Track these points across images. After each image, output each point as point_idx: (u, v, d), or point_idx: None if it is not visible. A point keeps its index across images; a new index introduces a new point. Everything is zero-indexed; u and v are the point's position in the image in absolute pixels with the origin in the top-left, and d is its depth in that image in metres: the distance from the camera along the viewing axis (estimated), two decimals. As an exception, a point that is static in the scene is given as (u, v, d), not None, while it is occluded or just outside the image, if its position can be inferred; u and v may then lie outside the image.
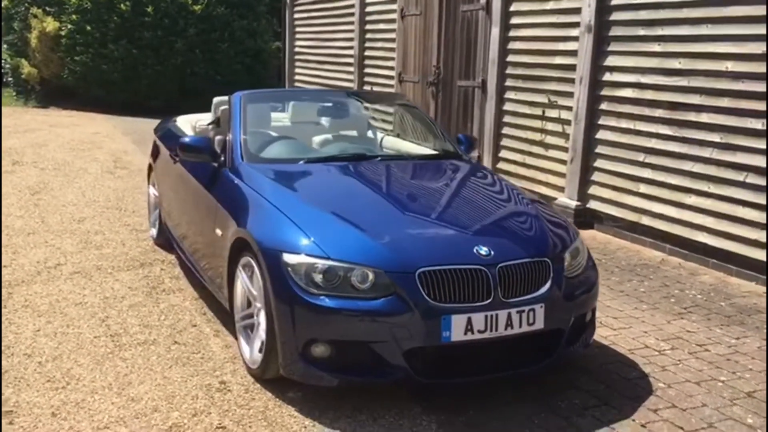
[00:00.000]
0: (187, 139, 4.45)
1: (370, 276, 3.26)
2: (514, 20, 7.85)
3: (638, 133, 6.38)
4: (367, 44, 11.24)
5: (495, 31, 8.05)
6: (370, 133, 5.33)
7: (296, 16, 14.02)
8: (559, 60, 7.25)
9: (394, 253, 3.34)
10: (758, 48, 5.35)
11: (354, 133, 5.27)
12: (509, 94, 7.98)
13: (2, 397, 3.47)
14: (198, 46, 15.87)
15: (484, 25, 8.27)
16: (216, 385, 3.62)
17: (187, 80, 15.97)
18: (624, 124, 6.53)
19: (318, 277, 3.29)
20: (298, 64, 14.13)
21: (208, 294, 4.81)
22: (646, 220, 6.34)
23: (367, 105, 5.81)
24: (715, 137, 5.70)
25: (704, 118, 5.79)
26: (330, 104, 5.42)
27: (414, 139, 5.23)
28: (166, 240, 5.86)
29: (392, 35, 10.39)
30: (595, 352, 4.09)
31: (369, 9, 11.09)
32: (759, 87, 5.36)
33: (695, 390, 3.71)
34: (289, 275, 3.32)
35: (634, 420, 3.38)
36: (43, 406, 3.39)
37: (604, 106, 6.73)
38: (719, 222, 5.71)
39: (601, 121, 6.77)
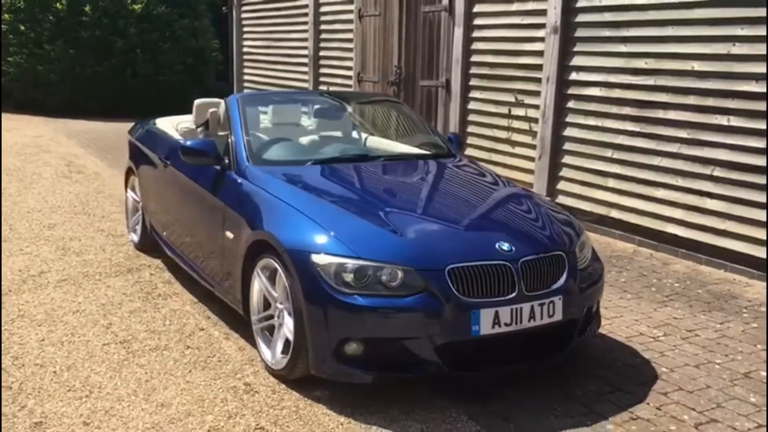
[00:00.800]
0: (189, 143, 4.43)
1: (400, 274, 3.35)
2: (478, 21, 8.04)
3: (606, 130, 6.64)
4: (323, 44, 11.27)
5: (458, 32, 8.22)
6: (368, 134, 5.41)
7: (244, 15, 13.93)
8: (524, 60, 7.46)
9: (423, 251, 3.45)
10: (723, 48, 5.65)
11: (354, 133, 5.35)
12: (474, 94, 8.16)
13: (27, 408, 3.42)
14: (139, 46, 15.55)
15: (446, 25, 8.43)
16: (242, 387, 3.65)
17: (128, 81, 15.63)
18: (592, 121, 6.78)
19: (348, 277, 3.36)
20: (247, 64, 14.04)
21: (208, 297, 4.81)
22: (615, 214, 6.61)
23: (361, 106, 5.87)
24: (683, 133, 6.00)
25: (671, 115, 6.08)
26: (326, 106, 5.47)
27: (407, 138, 5.32)
28: (150, 245, 5.81)
29: (349, 35, 10.46)
30: (597, 341, 4.28)
31: (324, 9, 11.13)
32: (724, 85, 5.66)
33: (696, 373, 3.93)
34: (320, 275, 3.39)
35: (648, 404, 3.57)
36: (72, 415, 3.36)
37: (571, 104, 6.98)
38: (688, 213, 6.01)
39: (568, 119, 7.02)
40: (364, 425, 3.31)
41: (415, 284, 3.34)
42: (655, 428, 3.34)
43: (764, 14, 5.35)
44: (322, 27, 11.24)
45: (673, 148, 6.09)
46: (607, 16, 6.55)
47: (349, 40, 10.47)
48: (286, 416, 3.38)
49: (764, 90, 5.40)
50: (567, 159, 7.06)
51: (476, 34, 8.07)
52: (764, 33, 5.35)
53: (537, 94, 7.28)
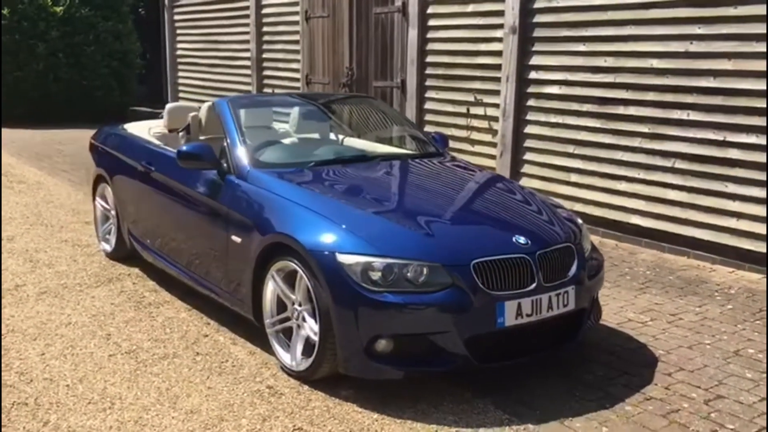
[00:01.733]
0: (186, 148, 4.38)
1: (425, 270, 3.43)
2: (432, 22, 8.18)
3: (568, 126, 6.89)
4: (266, 46, 11.20)
5: (413, 33, 8.34)
6: (359, 134, 5.45)
7: (177, 17, 13.69)
8: (482, 60, 7.65)
9: (447, 248, 3.54)
10: (681, 47, 5.96)
11: (346, 134, 5.39)
12: (430, 94, 8.30)
13: (51, 423, 3.33)
14: (61, 49, 15.04)
15: (400, 26, 8.54)
16: (265, 391, 3.65)
17: (51, 86, 15.09)
18: (553, 118, 7.02)
19: (376, 275, 3.41)
20: (182, 68, 13.80)
21: (202, 304, 4.77)
22: (579, 207, 6.85)
23: (347, 107, 5.88)
24: (643, 128, 6.29)
25: (632, 111, 6.36)
26: (315, 108, 5.48)
27: (397, 138, 5.38)
28: (125, 254, 5.69)
29: (295, 37, 10.44)
30: (592, 328, 4.46)
31: (266, 11, 11.07)
32: (683, 81, 5.97)
33: (691, 353, 4.16)
34: (347, 275, 3.43)
35: (656, 384, 3.76)
36: (100, 428, 3.29)
37: (531, 102, 7.20)
38: (650, 204, 6.30)
39: (529, 117, 7.23)
40: (398, 420, 3.37)
41: (442, 280, 3.42)
42: (669, 407, 3.52)
43: (720, 14, 5.66)
44: (265, 29, 11.17)
45: (634, 142, 6.37)
46: (566, 17, 6.79)
47: (296, 42, 10.45)
48: (318, 416, 3.41)
49: (720, 85, 5.72)
50: (528, 155, 7.28)
51: (431, 35, 8.21)
52: (722, 31, 5.67)
53: (496, 93, 7.47)
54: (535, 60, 7.11)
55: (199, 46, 13.12)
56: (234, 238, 4.10)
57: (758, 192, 5.58)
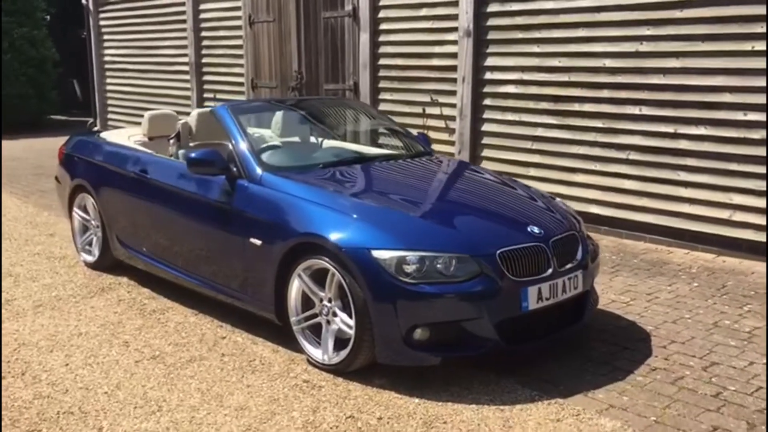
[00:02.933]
0: (195, 154, 4.47)
1: (454, 261, 3.68)
2: (384, 26, 8.43)
3: (524, 124, 7.27)
4: (206, 51, 11.18)
5: (364, 37, 8.56)
6: (352, 136, 5.64)
7: (103, 23, 13.42)
8: (436, 62, 7.95)
9: (473, 239, 3.80)
10: (632, 47, 6.42)
11: (342, 136, 5.59)
12: (384, 95, 8.54)
13: (105, 429, 3.40)
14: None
15: (351, 30, 8.74)
16: (303, 385, 3.81)
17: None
18: (509, 116, 7.39)
19: (410, 268, 3.64)
20: (109, 74, 13.55)
21: (206, 308, 4.86)
22: (538, 199, 7.24)
23: (336, 110, 6.03)
24: (598, 123, 6.73)
25: (587, 107, 6.79)
26: (311, 111, 5.62)
27: (389, 139, 5.58)
28: (110, 263, 5.69)
29: (238, 42, 10.47)
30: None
31: (205, 15, 11.04)
32: (635, 79, 6.43)
33: (676, 328, 4.56)
34: (383, 270, 3.63)
35: (656, 356, 4.14)
36: (157, 430, 3.39)
37: (488, 101, 7.55)
38: (607, 194, 6.75)
39: (486, 116, 7.59)
40: (439, 402, 3.61)
41: (471, 269, 3.68)
42: (674, 375, 3.90)
43: (667, 16, 6.15)
44: (204, 33, 11.14)
45: (589, 137, 6.81)
46: (519, 20, 7.17)
47: (238, 47, 10.48)
48: (363, 404, 3.60)
49: (670, 82, 6.22)
50: (487, 152, 7.63)
51: (383, 38, 8.46)
52: (669, 32, 6.15)
53: (453, 93, 7.79)
54: (490, 61, 7.47)
55: (128, 51, 12.92)
56: (253, 240, 4.22)
57: (708, 179, 6.09)
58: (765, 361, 4.04)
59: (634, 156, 6.55)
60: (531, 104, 7.20)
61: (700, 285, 5.36)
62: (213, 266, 4.61)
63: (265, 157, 4.59)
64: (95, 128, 13.82)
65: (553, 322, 4.01)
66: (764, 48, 5.66)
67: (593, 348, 4.26)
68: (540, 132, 7.17)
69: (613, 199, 6.72)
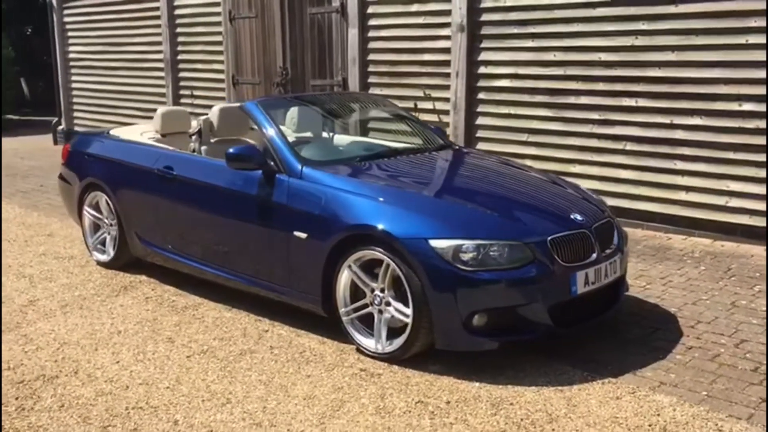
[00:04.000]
0: (234, 150, 4.50)
1: (507, 249, 3.81)
2: (373, 22, 8.50)
3: (519, 117, 7.45)
4: (182, 47, 11.07)
5: (353, 32, 8.63)
6: (378, 129, 5.70)
7: (68, 19, 13.13)
8: (428, 57, 8.07)
9: (523, 227, 3.95)
10: (627, 41, 6.65)
11: (366, 129, 5.63)
12: (374, 90, 8.62)
13: (181, 422, 3.42)
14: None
15: (339, 26, 8.79)
16: (361, 373, 3.90)
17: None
18: (504, 110, 7.56)
19: (466, 256, 3.76)
20: (75, 71, 13.26)
21: (239, 303, 4.89)
22: (534, 190, 7.44)
23: (359, 105, 6.07)
24: (594, 115, 6.95)
25: (583, 100, 7.01)
26: (334, 106, 5.66)
27: (411, 132, 5.65)
28: (126, 261, 5.66)
29: (217, 38, 10.41)
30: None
31: (180, 12, 10.93)
32: (631, 72, 6.67)
33: (698, 309, 4.78)
34: (441, 258, 3.74)
35: (689, 336, 4.35)
36: (233, 420, 3.43)
37: (482, 96, 7.71)
38: (605, 184, 6.96)
39: (480, 109, 7.74)
40: (499, 386, 3.74)
41: (524, 256, 3.82)
42: (711, 352, 4.10)
43: (663, 11, 6.39)
44: (180, 30, 11.03)
45: (586, 129, 7.03)
46: (513, 15, 7.34)
47: (218, 43, 10.42)
48: (426, 389, 3.70)
49: (665, 75, 6.46)
50: (481, 145, 7.78)
51: (373, 34, 8.53)
52: (665, 27, 6.40)
53: (446, 87, 7.92)
54: (484, 56, 7.62)
55: (96, 48, 12.68)
56: (298, 234, 4.28)
57: (704, 167, 6.36)
58: (790, 336, 4.29)
59: (630, 146, 6.78)
60: (526, 97, 7.38)
61: (707, 268, 5.61)
62: (252, 261, 4.64)
63: (301, 151, 4.63)
64: (60, 127, 13.54)
65: (595, 306, 4.17)
66: (759, 41, 5.94)
67: (627, 330, 4.44)
68: (535, 125, 7.36)
69: (610, 188, 6.94)
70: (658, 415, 3.43)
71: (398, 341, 3.96)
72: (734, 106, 6.16)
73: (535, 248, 3.84)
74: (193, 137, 5.42)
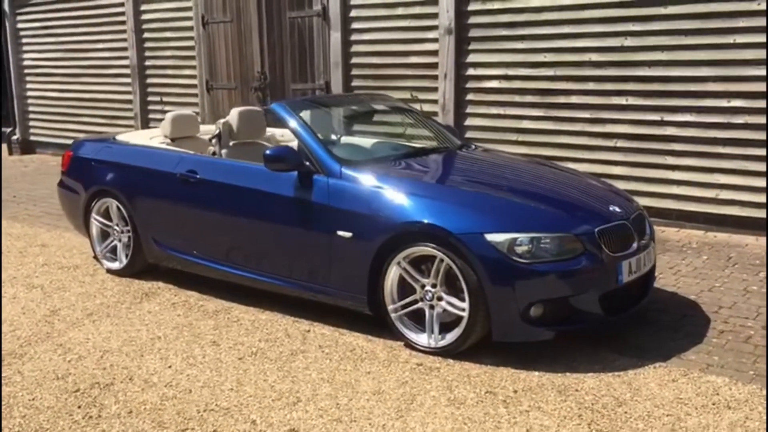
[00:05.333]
0: (271, 151, 4.51)
1: (559, 241, 3.93)
2: (356, 25, 8.56)
3: (510, 117, 7.62)
4: (150, 53, 10.89)
5: (335, 36, 8.67)
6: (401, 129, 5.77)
7: (21, 26, 12.76)
8: (415, 59, 8.17)
9: (572, 219, 4.08)
10: (617, 42, 6.89)
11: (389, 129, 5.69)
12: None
13: (258, 421, 3.42)
14: None
15: (321, 30, 8.82)
16: (419, 368, 3.95)
17: None
18: (494, 110, 7.72)
19: (521, 249, 3.87)
20: (30, 79, 12.88)
21: (270, 305, 4.88)
22: (525, 188, 7.61)
23: (378, 105, 6.10)
24: (585, 114, 7.17)
25: (574, 99, 7.22)
26: (356, 108, 5.69)
27: (429, 131, 5.71)
28: (140, 268, 5.58)
29: (189, 43, 10.28)
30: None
31: (147, 17, 10.76)
32: (621, 72, 6.91)
33: (715, 295, 5.01)
34: (498, 252, 3.84)
35: (716, 321, 4.55)
36: (310, 417, 3.45)
37: (471, 97, 7.85)
38: (596, 180, 7.20)
39: (469, 110, 7.88)
40: (558, 374, 3.85)
41: (575, 247, 3.95)
42: (743, 335, 4.31)
43: (653, 13, 6.66)
44: (147, 35, 10.85)
45: (577, 127, 7.24)
46: (502, 18, 7.51)
47: (190, 48, 10.29)
48: (489, 380, 3.79)
49: (656, 74, 6.73)
50: (471, 145, 7.92)
51: (356, 37, 8.59)
52: (654, 28, 6.66)
53: (434, 89, 8.03)
54: (472, 58, 7.77)
55: (54, 56, 12.34)
56: (341, 233, 4.30)
57: (695, 162, 6.64)
58: (811, 317, 4.54)
59: (621, 144, 7.02)
60: (516, 98, 7.56)
61: (710, 258, 5.87)
62: (289, 262, 4.64)
63: (340, 152, 4.67)
64: (15, 137, 13.12)
65: (635, 295, 4.33)
66: (746, 41, 6.25)
67: (656, 318, 4.61)
68: (526, 124, 7.54)
69: (601, 184, 7.17)
70: (717, 394, 3.60)
71: (451, 335, 4.04)
72: (723, 103, 6.45)
73: (585, 240, 3.97)
74: (213, 141, 5.38)
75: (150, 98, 11.06)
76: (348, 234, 4.29)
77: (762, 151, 6.28)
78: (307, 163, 4.55)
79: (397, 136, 5.81)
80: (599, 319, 4.03)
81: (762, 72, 6.20)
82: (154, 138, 5.80)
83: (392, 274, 4.18)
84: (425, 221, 4.03)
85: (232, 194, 4.85)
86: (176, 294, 5.24)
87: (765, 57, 6.18)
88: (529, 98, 7.48)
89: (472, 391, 3.68)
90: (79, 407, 3.60)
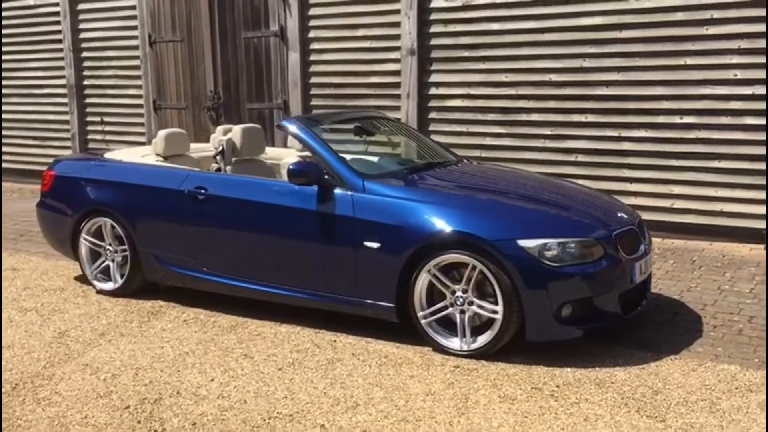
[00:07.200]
0: (295, 166, 4.61)
1: (582, 245, 4.23)
2: (316, 45, 8.72)
3: (472, 134, 7.95)
4: (89, 72, 10.65)
5: (294, 56, 8.80)
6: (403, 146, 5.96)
7: (-61, 44, 12.17)
8: (377, 79, 8.41)
9: (591, 225, 4.39)
10: (576, 63, 7.36)
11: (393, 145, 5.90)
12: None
13: (327, 426, 3.51)
14: None
15: (278, 50, 8.92)
16: (458, 371, 4.14)
17: None
18: (457, 128, 8.04)
19: (550, 254, 4.14)
20: (-50, 99, 12.28)
21: (285, 318, 4.94)
22: (489, 202, 7.95)
23: (378, 123, 6.22)
24: (546, 131, 7.59)
25: (534, 117, 7.63)
26: (364, 125, 5.81)
27: (428, 146, 5.93)
28: (137, 288, 5.53)
29: (133, 62, 10.14)
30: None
31: (87, 35, 10.54)
32: (580, 91, 7.37)
33: (695, 294, 5.42)
34: (530, 257, 4.09)
35: (705, 317, 4.96)
36: (375, 419, 3.58)
37: (433, 115, 8.15)
38: (557, 193, 7.61)
39: (432, 128, 8.17)
40: (588, 369, 4.13)
41: (597, 251, 4.26)
42: (734, 328, 4.73)
43: (609, 36, 7.15)
44: (87, 54, 10.61)
45: (538, 143, 7.65)
46: (464, 40, 7.86)
47: (135, 67, 10.15)
48: (528, 378, 4.02)
49: (613, 93, 7.22)
50: (434, 162, 8.20)
51: (315, 57, 8.75)
52: (611, 50, 7.16)
53: (396, 108, 8.28)
54: (435, 78, 8.07)
55: (-23, 74, 11.85)
56: (369, 244, 4.45)
57: (650, 174, 7.15)
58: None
59: (581, 158, 7.47)
60: (479, 116, 7.90)
61: (676, 262, 6.34)
62: (310, 274, 4.73)
63: (357, 166, 4.82)
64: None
65: (640, 294, 4.68)
66: (695, 62, 6.81)
67: (652, 316, 4.98)
68: (489, 141, 7.89)
69: (562, 197, 7.59)
70: (736, 379, 3.97)
71: (484, 338, 4.26)
72: (676, 119, 7.00)
73: (605, 243, 4.28)
74: (218, 157, 5.41)
75: (89, 118, 10.81)
76: (375, 245, 4.44)
77: (713, 164, 6.85)
78: (327, 177, 4.68)
79: (399, 151, 6.01)
80: (618, 317, 4.34)
81: (710, 91, 6.77)
82: (146, 156, 5.76)
83: (422, 282, 4.36)
84: (458, 230, 4.25)
85: (247, 209, 4.91)
86: (183, 312, 5.21)
87: (713, 77, 6.76)
88: (491, 116, 7.84)
89: (518, 388, 3.90)
90: (139, 422, 3.59)
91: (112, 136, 10.62)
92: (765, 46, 6.48)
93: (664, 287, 5.61)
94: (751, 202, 6.71)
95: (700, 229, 6.99)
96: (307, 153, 5.68)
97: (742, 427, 3.48)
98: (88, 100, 10.77)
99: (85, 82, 10.73)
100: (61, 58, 10.83)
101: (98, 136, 10.82)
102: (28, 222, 8.31)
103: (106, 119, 10.67)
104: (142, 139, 10.21)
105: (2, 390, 3.99)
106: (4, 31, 11.41)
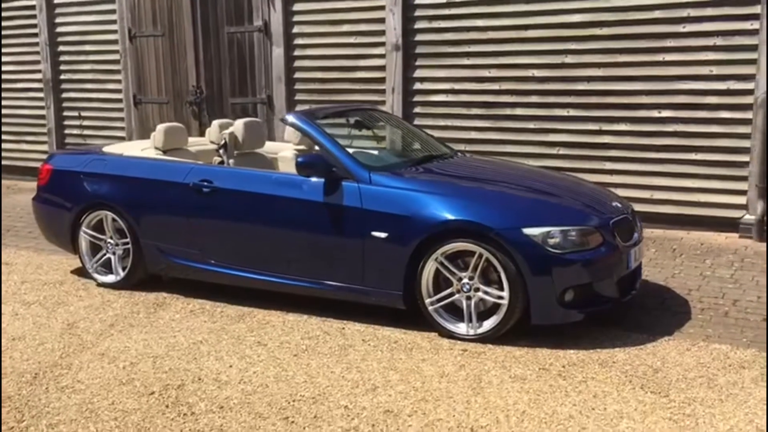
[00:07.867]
0: (304, 159, 4.74)
1: (582, 233, 4.44)
2: (300, 41, 8.82)
3: (457, 128, 8.14)
4: (66, 66, 10.59)
5: (278, 51, 8.88)
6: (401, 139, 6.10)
7: None
8: (361, 74, 8.54)
9: (591, 214, 4.61)
10: (558, 59, 7.59)
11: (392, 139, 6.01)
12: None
13: (347, 405, 3.66)
14: None
15: (262, 45, 9.00)
16: (467, 354, 4.32)
17: None
18: (441, 122, 8.21)
19: (552, 241, 4.34)
20: None
21: (288, 307, 5.07)
22: (473, 195, 8.15)
23: (374, 118, 6.35)
24: (529, 125, 7.81)
25: (518, 111, 7.84)
26: (362, 119, 5.93)
27: (426, 139, 6.08)
28: (138, 280, 5.61)
29: (112, 56, 10.12)
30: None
31: (65, 29, 10.48)
32: (562, 86, 7.61)
33: (680, 280, 5.68)
34: (535, 244, 4.29)
35: (691, 302, 5.21)
36: (398, 401, 3.72)
37: (418, 109, 8.31)
38: (539, 186, 7.85)
39: (417, 122, 8.32)
40: (590, 351, 4.34)
41: (596, 239, 4.47)
42: (720, 311, 4.99)
43: (590, 33, 7.40)
44: (64, 48, 10.56)
45: (522, 137, 7.87)
46: (448, 36, 8.04)
47: (113, 62, 10.13)
48: (534, 359, 4.22)
49: (594, 88, 7.47)
50: (419, 155, 8.37)
51: (299, 53, 8.85)
52: (592, 47, 7.40)
53: (381, 103, 8.42)
54: (419, 73, 8.24)
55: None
56: (376, 233, 4.61)
57: (630, 166, 7.42)
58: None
59: (563, 151, 7.71)
60: (463, 110, 8.09)
61: (658, 250, 6.60)
62: (321, 264, 4.86)
63: (362, 158, 4.96)
64: None
65: (633, 280, 4.91)
66: (673, 59, 7.09)
67: (642, 301, 5.21)
68: (473, 135, 8.08)
69: (545, 189, 7.83)
70: (728, 357, 4.22)
71: (489, 322, 4.45)
72: (654, 114, 7.27)
73: (603, 231, 4.50)
74: (220, 150, 5.50)
75: (66, 113, 10.74)
76: (383, 234, 4.60)
77: (690, 156, 7.14)
78: (334, 170, 4.81)
79: (398, 144, 6.16)
80: (615, 301, 4.57)
81: (687, 86, 7.05)
82: (145, 150, 5.82)
83: (429, 270, 4.53)
84: (465, 219, 4.42)
85: (254, 201, 5.02)
86: (188, 303, 5.31)
87: (690, 73, 7.05)
88: (475, 110, 8.03)
89: (527, 368, 4.09)
90: (167, 406, 3.69)
91: (91, 131, 10.59)
92: (739, 43, 6.79)
93: (650, 274, 5.85)
94: (726, 193, 7.02)
95: (678, 219, 7.28)
96: (303, 146, 5.85)
97: (739, 400, 3.72)
98: (65, 95, 10.71)
99: (62, 77, 10.67)
100: (37, 52, 10.74)
101: (76, 131, 10.76)
102: (11, 217, 8.29)
103: (84, 114, 10.63)
104: (122, 134, 10.22)
105: (23, 379, 4.05)
106: (-24, 25, 11.29)
